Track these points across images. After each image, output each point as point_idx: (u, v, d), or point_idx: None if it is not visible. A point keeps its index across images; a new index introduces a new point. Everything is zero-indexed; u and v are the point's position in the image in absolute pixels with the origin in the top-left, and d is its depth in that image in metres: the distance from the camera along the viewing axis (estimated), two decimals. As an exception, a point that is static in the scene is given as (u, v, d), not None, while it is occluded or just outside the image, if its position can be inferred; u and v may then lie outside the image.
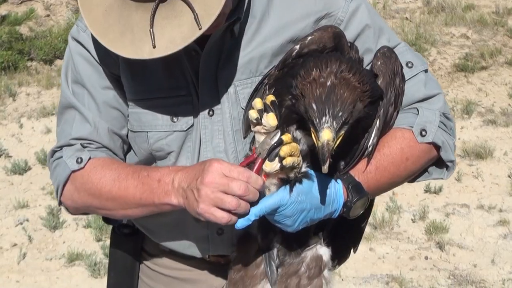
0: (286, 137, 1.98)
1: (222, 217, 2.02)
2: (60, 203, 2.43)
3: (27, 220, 6.96)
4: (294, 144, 1.98)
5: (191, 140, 2.35)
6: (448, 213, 6.85)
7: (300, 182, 2.02)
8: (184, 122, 2.34)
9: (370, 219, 6.61)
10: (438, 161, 2.35)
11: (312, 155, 2.07)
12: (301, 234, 2.13)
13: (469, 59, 10.39)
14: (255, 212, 1.99)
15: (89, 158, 2.31)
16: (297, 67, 2.08)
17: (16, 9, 11.98)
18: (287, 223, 2.05)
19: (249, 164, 2.06)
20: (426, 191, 7.14)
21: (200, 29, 2.03)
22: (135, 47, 2.07)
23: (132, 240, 2.64)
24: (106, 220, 2.68)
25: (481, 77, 10.03)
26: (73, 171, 2.32)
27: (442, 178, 2.39)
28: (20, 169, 7.79)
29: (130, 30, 2.08)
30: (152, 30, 2.04)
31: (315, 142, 1.92)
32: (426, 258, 6.21)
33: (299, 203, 2.02)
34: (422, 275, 5.96)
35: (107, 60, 2.33)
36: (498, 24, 11.29)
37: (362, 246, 6.22)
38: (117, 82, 2.37)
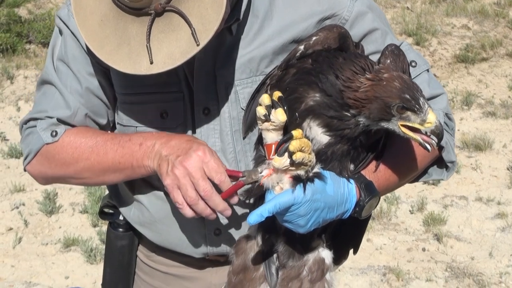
0: (297, 132, 1.94)
1: (178, 202, 2.12)
2: (24, 169, 2.45)
3: (23, 204, 6.93)
4: (305, 140, 1.93)
5: None
6: (446, 205, 6.83)
7: (313, 181, 1.97)
8: (174, 119, 2.31)
9: (368, 210, 6.60)
10: (438, 162, 2.34)
11: (322, 155, 2.04)
12: (305, 236, 2.09)
13: (470, 50, 10.36)
14: (268, 209, 1.94)
15: (64, 131, 2.32)
16: (318, 65, 2.04)
17: (15, -9, 11.93)
18: (300, 222, 1.99)
19: (235, 190, 2.10)
20: (424, 182, 7.12)
21: (198, 45, 1.99)
22: (133, 61, 2.03)
23: (128, 236, 2.63)
24: (102, 215, 2.66)
25: (481, 69, 10.00)
26: (47, 144, 2.32)
27: (442, 179, 2.37)
28: (17, 153, 7.75)
29: (127, 43, 2.03)
30: (149, 45, 2.00)
31: (412, 135, 1.93)
32: (424, 249, 6.20)
33: (313, 201, 1.96)
34: (419, 267, 5.95)
35: None
36: (499, 15, 11.26)
37: (360, 237, 6.19)
38: (103, 73, 2.34)
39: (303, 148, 1.91)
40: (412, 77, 2.23)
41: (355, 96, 1.93)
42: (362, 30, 2.30)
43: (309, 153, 1.93)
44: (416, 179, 2.39)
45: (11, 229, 6.58)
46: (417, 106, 1.88)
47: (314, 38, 2.12)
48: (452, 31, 11.05)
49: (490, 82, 9.61)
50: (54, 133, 2.31)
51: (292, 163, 1.92)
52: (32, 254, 6.22)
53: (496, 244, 6.23)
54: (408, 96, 1.88)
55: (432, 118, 1.89)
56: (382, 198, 6.60)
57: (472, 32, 11.00)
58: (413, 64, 2.31)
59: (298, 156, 1.90)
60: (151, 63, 2.00)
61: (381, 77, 1.93)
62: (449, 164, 2.34)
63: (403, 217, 6.72)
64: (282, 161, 1.93)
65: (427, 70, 2.35)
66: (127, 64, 2.04)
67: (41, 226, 6.64)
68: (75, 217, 6.77)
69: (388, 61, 2.06)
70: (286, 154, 1.92)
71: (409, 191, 7.00)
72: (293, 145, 1.90)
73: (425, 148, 1.93)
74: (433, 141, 1.92)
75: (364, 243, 6.25)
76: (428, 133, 1.92)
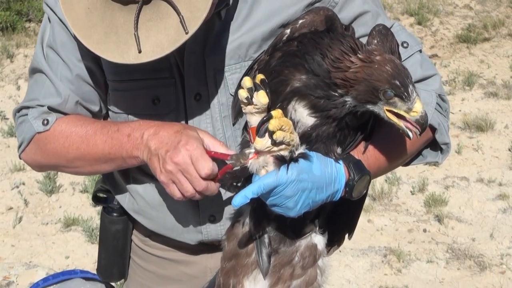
0: (276, 112, 1.92)
1: (177, 196, 2.12)
2: (20, 157, 2.44)
3: (23, 184, 6.93)
4: (284, 119, 1.91)
5: None
6: (448, 186, 6.83)
7: (298, 161, 1.94)
8: (166, 105, 2.29)
9: (369, 190, 6.59)
10: (432, 144, 2.32)
11: (307, 137, 2.02)
12: (296, 221, 2.06)
13: (472, 30, 10.33)
14: (252, 190, 1.91)
15: (56, 120, 2.31)
16: (304, 46, 2.01)
17: (14, -31, 11.87)
18: (288, 205, 1.96)
19: (225, 172, 2.08)
20: (425, 163, 7.09)
21: (186, 33, 1.95)
22: (121, 50, 2.00)
23: (122, 221, 2.62)
24: (96, 200, 2.66)
25: (483, 49, 9.97)
26: (38, 133, 2.31)
27: (437, 162, 2.36)
28: (17, 132, 7.73)
29: (115, 32, 2.00)
30: (137, 34, 1.96)
31: (396, 121, 1.92)
32: (425, 231, 6.20)
33: (299, 182, 1.93)
34: (420, 248, 5.94)
35: None
36: (502, -5, 11.23)
37: (361, 218, 6.18)
38: (94, 59, 2.31)
39: (283, 127, 1.89)
40: (404, 58, 2.21)
41: (344, 75, 1.91)
42: (352, 13, 2.27)
43: (291, 132, 1.92)
44: (410, 162, 2.36)
45: (11, 208, 6.58)
46: (405, 93, 1.87)
47: (300, 21, 2.10)
48: (454, 11, 11.01)
49: (492, 63, 9.59)
50: (45, 122, 2.30)
51: (274, 143, 1.90)
52: (32, 234, 6.22)
53: (497, 226, 6.22)
54: (397, 83, 1.87)
55: (418, 108, 1.88)
56: (382, 178, 6.66)
57: (474, 12, 10.96)
58: (405, 45, 2.28)
59: (278, 135, 1.88)
60: (139, 52, 1.97)
61: (373, 59, 1.91)
62: (443, 146, 2.31)
63: (404, 198, 6.71)
64: (264, 142, 1.91)
65: (420, 51, 2.32)
66: (115, 53, 2.01)
67: (41, 205, 6.64)
68: (75, 196, 6.76)
69: (375, 41, 2.03)
70: (267, 134, 1.90)
71: (410, 172, 6.99)
72: (272, 124, 1.88)
73: (407, 135, 1.92)
74: (416, 130, 1.91)
75: (365, 224, 6.26)
76: (413, 122, 1.91)
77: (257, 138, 1.92)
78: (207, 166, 2.05)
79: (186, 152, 2.05)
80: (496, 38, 10.22)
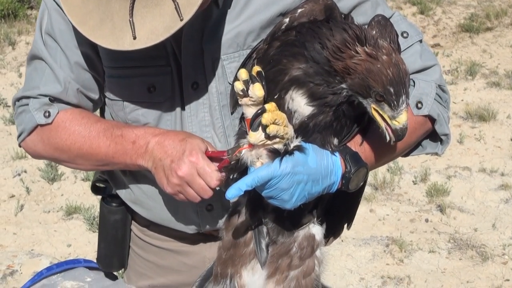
0: (270, 106, 1.92)
1: (183, 201, 2.18)
2: (19, 146, 2.43)
3: (25, 172, 6.93)
4: (278, 112, 1.91)
5: (169, 113, 2.30)
6: (450, 176, 6.82)
7: (293, 153, 1.94)
8: (161, 93, 2.28)
9: (371, 180, 6.62)
10: (432, 135, 2.31)
11: (304, 127, 2.01)
12: (295, 212, 2.06)
13: (475, 19, 10.32)
14: (246, 182, 1.91)
15: (58, 112, 2.29)
16: (302, 36, 2.00)
17: (16, -44, 11.84)
18: (284, 197, 1.95)
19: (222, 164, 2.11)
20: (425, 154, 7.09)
21: (181, 20, 1.95)
22: (116, 37, 1.99)
23: (121, 211, 2.62)
24: (95, 190, 2.66)
25: (486, 38, 9.96)
26: (40, 125, 2.30)
27: (436, 153, 2.35)
28: (19, 120, 7.72)
29: (110, 18, 1.99)
30: (132, 20, 1.96)
31: (379, 120, 1.93)
32: (427, 220, 6.20)
33: (295, 174, 1.93)
34: (422, 238, 5.94)
35: None
36: (505, -16, 11.20)
37: (363, 207, 6.21)
38: (92, 46, 2.29)
39: (276, 121, 1.89)
40: (403, 48, 2.21)
41: (345, 63, 1.90)
42: (351, 2, 2.26)
43: (284, 126, 1.92)
44: (409, 153, 2.35)
45: (13, 196, 6.58)
46: (395, 102, 1.87)
47: (299, 10, 2.08)
48: (456, 0, 10.99)
49: (494, 52, 9.58)
50: (47, 114, 2.28)
51: (267, 136, 1.91)
52: (34, 222, 6.23)
53: (499, 216, 6.22)
54: (391, 90, 1.86)
55: (402, 120, 1.89)
56: (384, 167, 6.65)
57: (477, 1, 10.95)
58: (405, 35, 2.27)
59: (271, 129, 1.89)
60: (134, 38, 1.97)
61: (378, 57, 1.89)
62: (442, 137, 2.30)
63: (406, 187, 6.71)
64: (257, 136, 1.91)
65: (420, 41, 2.31)
66: (110, 39, 2.00)
67: (43, 193, 6.64)
68: (77, 184, 6.77)
69: (374, 32, 2.01)
70: (260, 128, 1.91)
71: (412, 162, 6.98)
72: (265, 118, 1.88)
73: (384, 137, 1.94)
74: (393, 137, 1.94)
75: (367, 213, 6.26)
76: (392, 129, 1.93)
77: (250, 132, 1.93)
78: (215, 177, 2.09)
79: (191, 164, 2.08)
80: (498, 28, 10.21)
